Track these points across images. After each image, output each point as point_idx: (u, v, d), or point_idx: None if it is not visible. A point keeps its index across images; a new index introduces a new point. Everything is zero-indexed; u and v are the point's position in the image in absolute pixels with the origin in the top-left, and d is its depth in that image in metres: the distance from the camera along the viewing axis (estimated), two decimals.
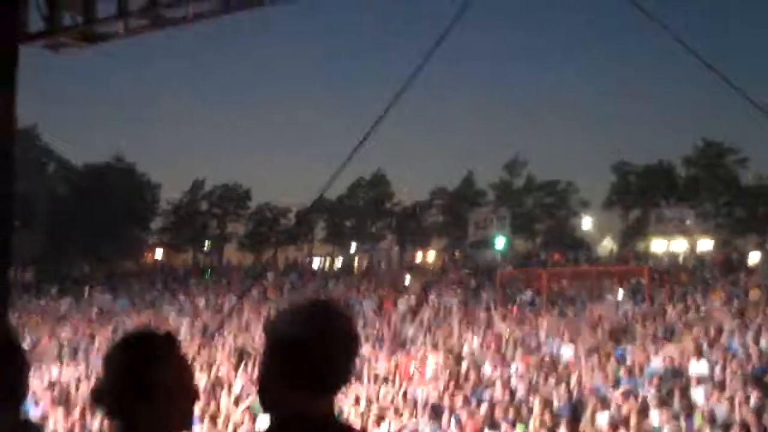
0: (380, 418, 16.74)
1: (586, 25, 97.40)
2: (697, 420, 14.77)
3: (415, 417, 17.11)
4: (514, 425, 15.61)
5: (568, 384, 17.50)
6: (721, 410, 14.80)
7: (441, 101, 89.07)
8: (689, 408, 15.17)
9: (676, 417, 14.56)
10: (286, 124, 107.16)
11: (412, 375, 21.01)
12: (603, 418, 15.14)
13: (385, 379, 20.56)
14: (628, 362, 18.79)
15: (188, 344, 25.02)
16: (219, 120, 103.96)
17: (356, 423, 15.46)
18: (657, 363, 18.36)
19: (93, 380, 23.20)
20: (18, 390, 3.47)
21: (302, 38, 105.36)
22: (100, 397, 2.95)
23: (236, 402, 18.73)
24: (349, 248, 70.05)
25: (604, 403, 15.77)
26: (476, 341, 23.82)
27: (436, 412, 16.96)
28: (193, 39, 69.26)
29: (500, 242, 60.46)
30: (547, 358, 20.27)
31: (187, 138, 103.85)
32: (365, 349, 22.53)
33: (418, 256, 67.66)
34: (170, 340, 3.02)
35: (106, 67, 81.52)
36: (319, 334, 2.83)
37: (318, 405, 2.84)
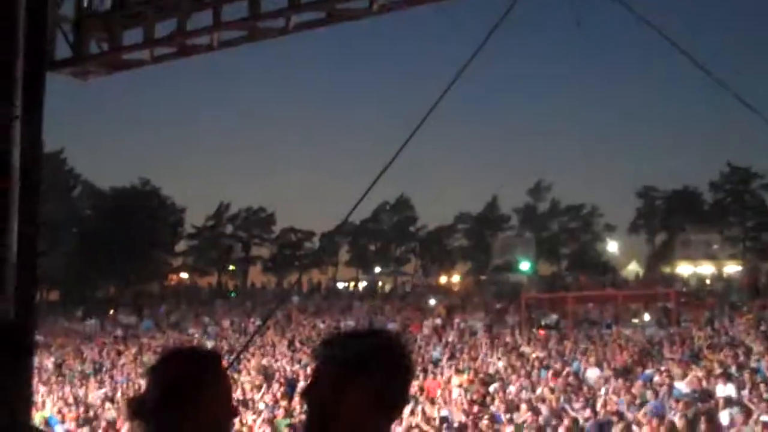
0: None
1: (611, 51, 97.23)
2: None
3: None
4: None
5: (593, 406, 17.40)
6: None
7: (465, 125, 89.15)
8: (716, 431, 15.03)
9: None
10: (311, 147, 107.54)
11: (438, 396, 20.95)
12: None
13: (411, 400, 20.52)
14: (655, 385, 18.65)
15: None
16: (244, 143, 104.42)
17: None
18: (683, 386, 18.22)
19: (118, 400, 23.33)
20: (10, 389, 3.45)
21: (327, 63, 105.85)
22: (140, 410, 2.95)
23: (259, 420, 18.80)
24: (373, 271, 70.07)
25: (630, 425, 15.66)
26: (502, 363, 23.74)
27: None
28: (217, 62, 69.67)
29: (525, 266, 60.29)
30: (572, 380, 20.15)
31: (213, 161, 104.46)
32: None
33: (443, 279, 67.60)
34: (216, 359, 3.05)
35: (133, 90, 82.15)
36: (387, 359, 2.83)
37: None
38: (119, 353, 33.75)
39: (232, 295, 56.29)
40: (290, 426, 18.06)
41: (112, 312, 50.81)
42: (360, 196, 8.02)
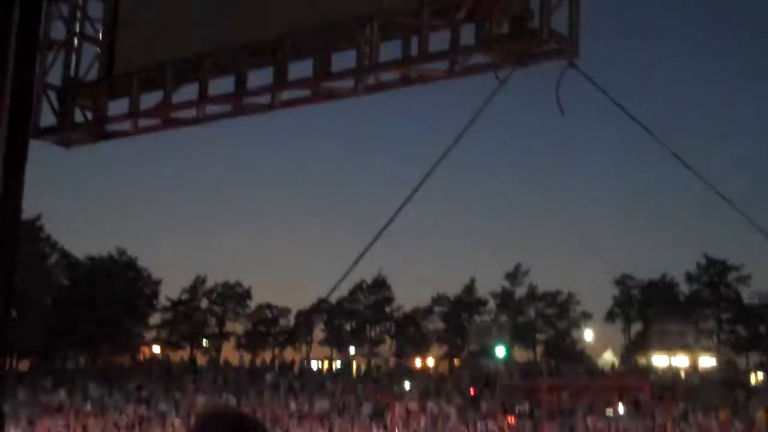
0: None
1: (589, 139, 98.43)
2: None
3: None
4: None
5: None
6: None
7: (444, 207, 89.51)
8: None
9: None
10: (289, 225, 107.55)
11: None
12: None
13: None
14: None
15: None
16: (222, 219, 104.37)
17: None
18: None
19: None
20: None
21: (305, 141, 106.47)
22: None
23: None
24: (348, 351, 69.50)
25: None
26: None
27: None
28: (197, 138, 69.94)
29: (500, 351, 60.04)
30: None
31: (190, 235, 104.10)
32: None
33: (417, 362, 67.04)
34: (260, 427, 3.05)
35: (114, 158, 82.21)
36: None
37: None
38: (84, 428, 33.18)
39: (205, 373, 55.71)
40: None
41: (82, 384, 50.07)
42: (339, 278, 7.96)
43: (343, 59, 7.45)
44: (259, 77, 7.89)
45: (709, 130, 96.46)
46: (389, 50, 7.19)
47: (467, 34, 6.86)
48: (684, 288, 65.12)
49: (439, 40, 6.93)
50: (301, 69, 7.66)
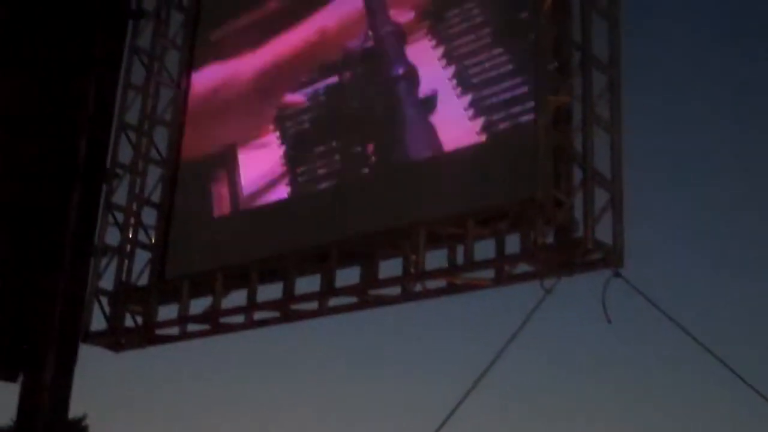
0: None
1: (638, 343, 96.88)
2: None
3: None
4: None
5: None
6: None
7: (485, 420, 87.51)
8: None
9: None
10: None
11: None
12: None
13: None
14: None
15: None
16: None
17: None
18: None
19: None
20: None
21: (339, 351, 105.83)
22: None
23: None
24: None
25: None
26: None
27: None
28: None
29: None
30: None
31: None
32: None
33: None
34: None
35: (162, 361, 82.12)
36: None
37: None
38: None
39: None
40: None
41: None
42: None
43: (390, 267, 7.56)
44: (307, 284, 8.01)
45: None
46: (435, 258, 7.30)
47: (513, 243, 6.96)
48: None
49: (485, 249, 7.03)
50: (348, 276, 7.78)
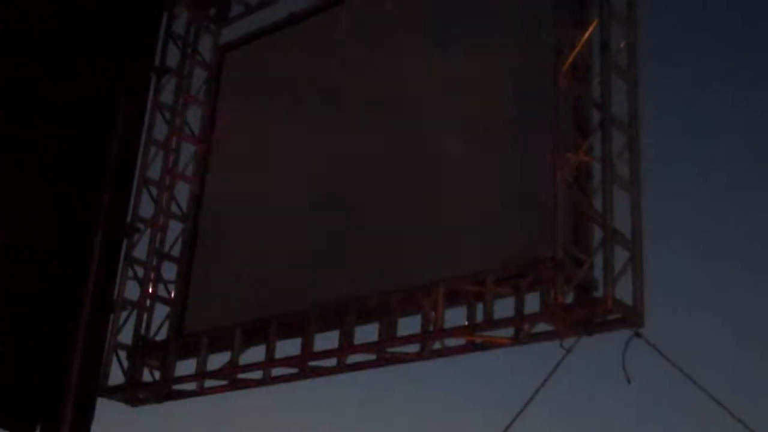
0: None
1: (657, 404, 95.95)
2: None
3: None
4: None
5: None
6: None
7: None
8: None
9: None
10: None
11: None
12: None
13: None
14: None
15: None
16: None
17: None
18: None
19: None
20: None
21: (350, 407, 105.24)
22: None
23: None
24: None
25: None
26: None
27: None
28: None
29: None
30: None
31: None
32: None
33: None
34: None
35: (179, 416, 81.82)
36: None
37: None
38: None
39: None
40: None
41: None
42: None
43: (409, 324, 7.53)
44: (325, 340, 7.98)
45: None
46: (454, 316, 7.27)
47: (532, 302, 6.93)
48: None
49: (504, 307, 7.00)
50: (366, 333, 7.75)
